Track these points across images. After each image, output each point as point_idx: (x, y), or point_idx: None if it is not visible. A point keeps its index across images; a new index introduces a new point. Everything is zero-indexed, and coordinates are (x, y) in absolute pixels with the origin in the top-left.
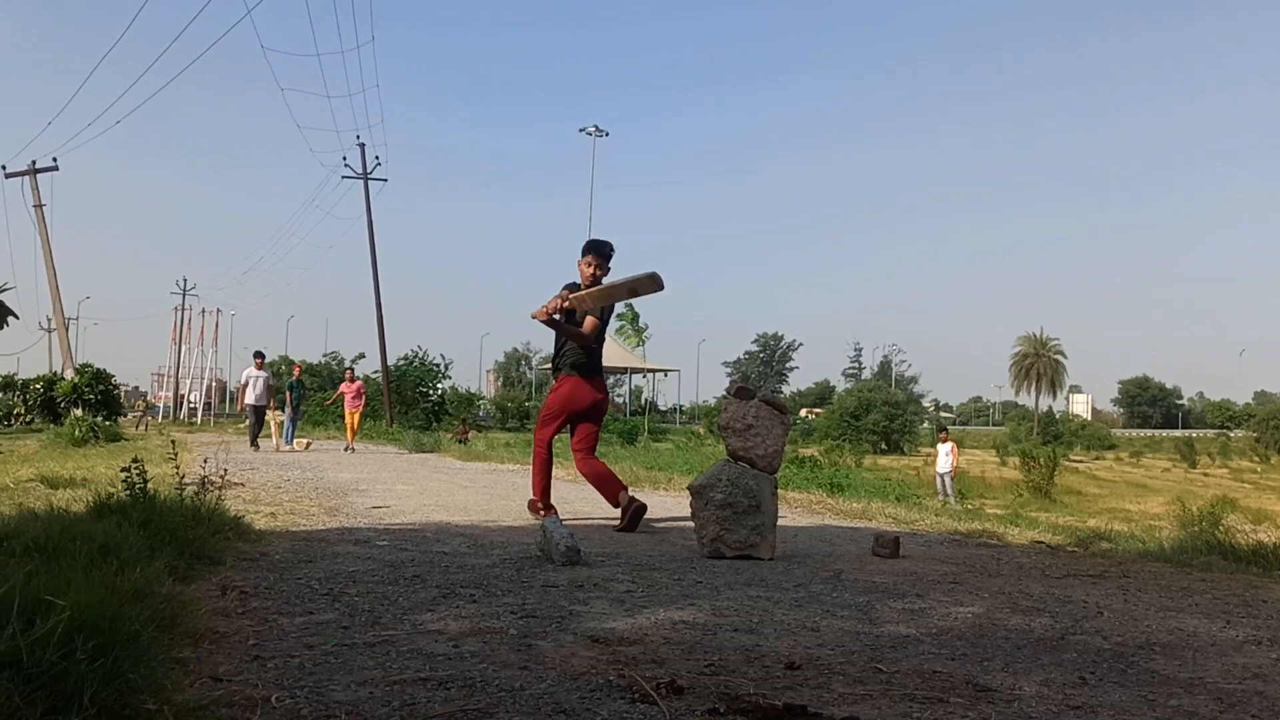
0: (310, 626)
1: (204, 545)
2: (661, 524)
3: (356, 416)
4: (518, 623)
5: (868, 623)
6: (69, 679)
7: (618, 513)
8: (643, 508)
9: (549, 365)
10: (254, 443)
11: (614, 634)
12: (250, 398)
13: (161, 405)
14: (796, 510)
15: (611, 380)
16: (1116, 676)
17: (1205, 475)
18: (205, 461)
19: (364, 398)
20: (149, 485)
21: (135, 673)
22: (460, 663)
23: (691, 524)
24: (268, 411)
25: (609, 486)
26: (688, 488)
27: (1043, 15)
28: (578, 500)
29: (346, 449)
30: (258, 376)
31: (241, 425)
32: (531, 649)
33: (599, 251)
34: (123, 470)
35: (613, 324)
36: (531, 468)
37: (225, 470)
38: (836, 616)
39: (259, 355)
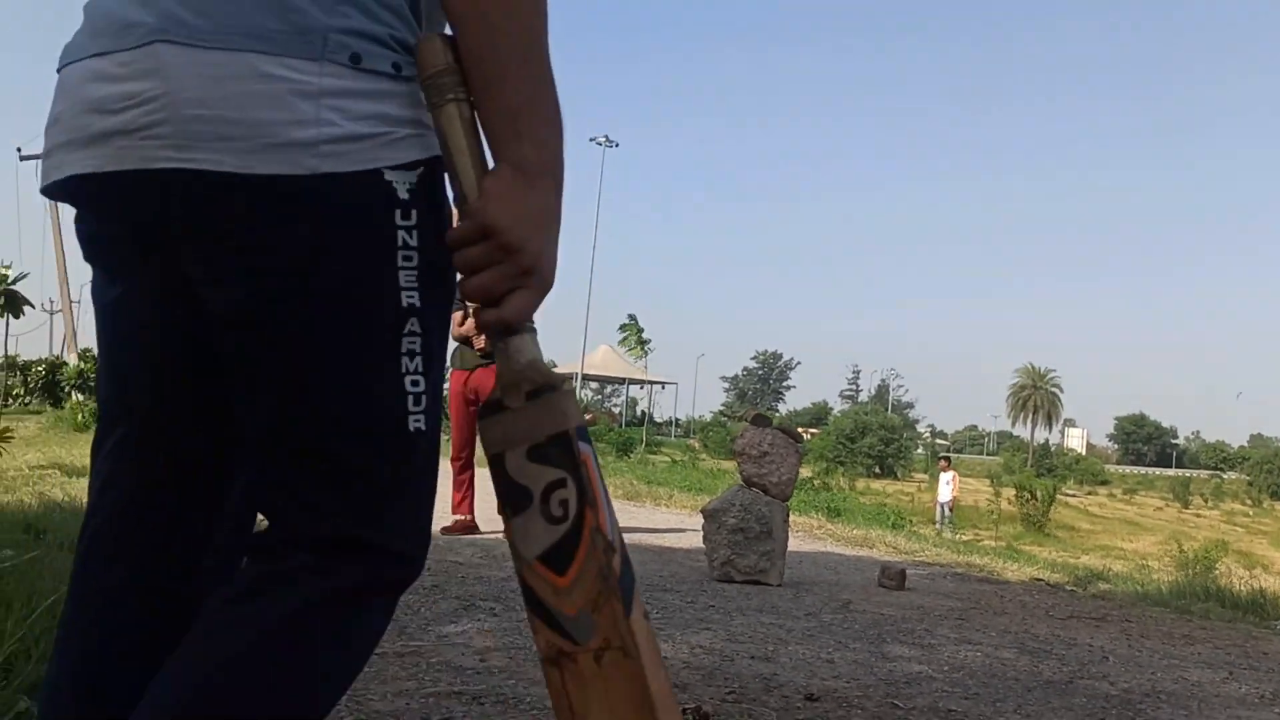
0: None
1: None
2: (666, 543)
3: None
4: None
5: (880, 657)
6: None
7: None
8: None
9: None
10: None
11: None
12: None
13: None
14: (799, 534)
15: (609, 390)
16: None
17: (1198, 516)
18: None
19: None
20: None
21: None
22: (490, 678)
23: (698, 544)
24: None
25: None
26: (701, 511)
27: (1059, 71)
28: None
29: None
30: None
31: None
32: None
33: None
34: None
35: (615, 335)
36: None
37: None
38: (849, 649)
39: None
